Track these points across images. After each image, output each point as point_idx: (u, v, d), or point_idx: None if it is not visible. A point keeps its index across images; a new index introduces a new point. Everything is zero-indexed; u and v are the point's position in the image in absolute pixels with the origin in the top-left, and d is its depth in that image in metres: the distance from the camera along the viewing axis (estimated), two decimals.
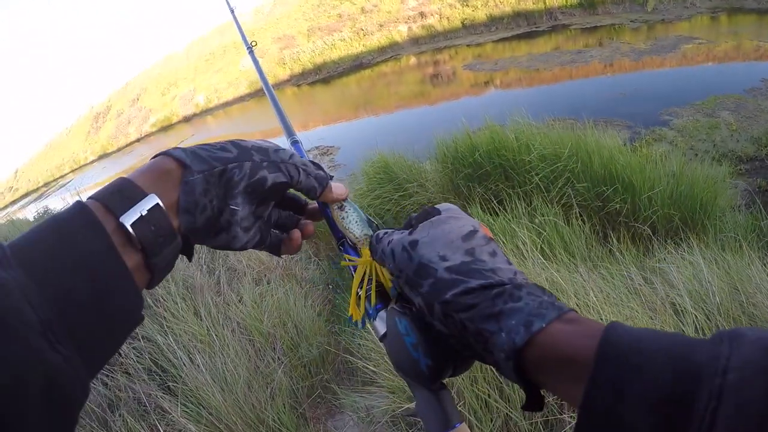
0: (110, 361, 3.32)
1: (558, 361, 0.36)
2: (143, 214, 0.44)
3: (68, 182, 30.65)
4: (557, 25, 18.20)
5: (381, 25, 24.50)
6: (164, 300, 3.53)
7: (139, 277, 0.45)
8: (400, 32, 23.82)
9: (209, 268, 4.22)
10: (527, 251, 2.96)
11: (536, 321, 0.38)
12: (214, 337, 3.11)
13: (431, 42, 22.07)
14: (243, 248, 0.58)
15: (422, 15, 23.36)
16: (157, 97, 35.28)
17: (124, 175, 0.47)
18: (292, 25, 29.44)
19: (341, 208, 0.66)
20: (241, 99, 27.57)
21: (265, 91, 1.00)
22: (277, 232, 0.65)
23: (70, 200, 12.03)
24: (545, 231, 3.38)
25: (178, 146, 0.51)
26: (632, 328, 0.33)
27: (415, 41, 23.03)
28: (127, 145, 33.43)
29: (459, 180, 4.69)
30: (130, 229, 0.43)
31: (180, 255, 0.52)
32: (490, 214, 3.92)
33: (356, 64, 23.57)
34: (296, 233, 0.66)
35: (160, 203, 0.45)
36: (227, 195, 0.52)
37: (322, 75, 24.27)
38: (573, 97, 10.38)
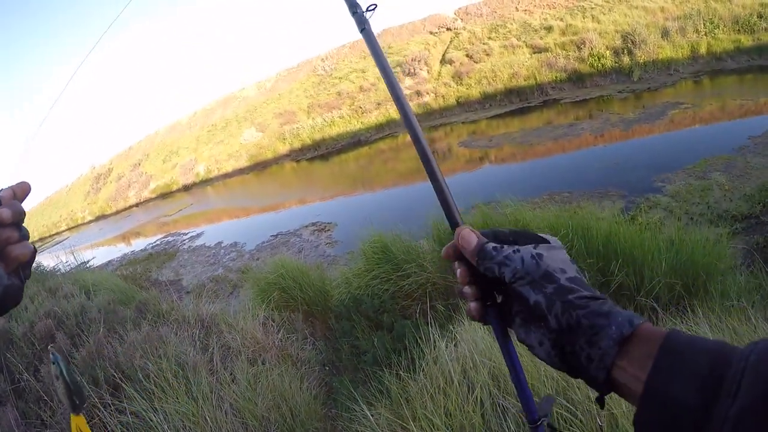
0: None
1: (641, 348, 0.52)
2: None
3: (64, 239, 30.60)
4: (548, 100, 18.75)
5: (378, 104, 25.18)
6: (155, 376, 3.45)
7: None
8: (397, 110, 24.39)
9: (203, 345, 4.15)
10: None
11: (635, 320, 0.55)
12: (206, 418, 3.03)
13: (427, 119, 22.56)
14: None
15: (418, 93, 24.00)
16: (158, 163, 35.71)
17: None
18: (293, 101, 30.23)
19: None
20: (241, 171, 27.91)
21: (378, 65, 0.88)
22: None
23: (64, 258, 12.04)
24: None
25: None
26: (689, 334, 0.50)
27: None
28: (125, 209, 33.63)
29: None
30: None
31: None
32: None
33: (354, 141, 24.07)
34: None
35: None
36: None
37: (321, 151, 24.73)
38: (567, 170, 10.58)
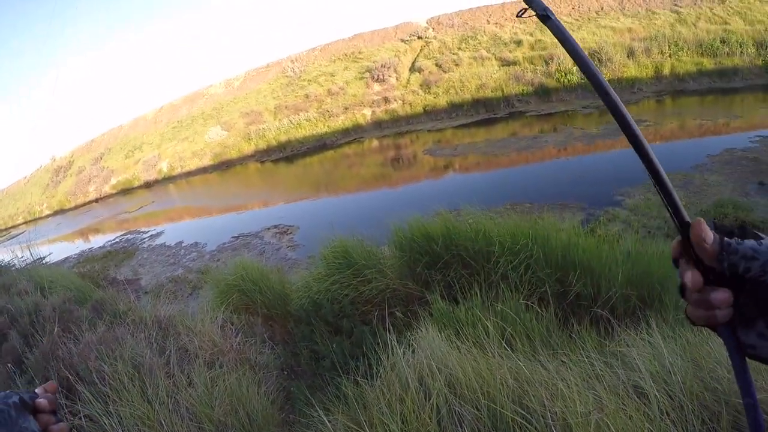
0: None
1: None
2: None
3: (20, 233, 29.61)
4: (514, 112, 19.16)
5: (346, 108, 25.20)
6: (111, 378, 3.40)
7: None
8: (364, 115, 24.54)
9: (160, 347, 4.09)
10: (489, 341, 2.95)
11: None
12: (162, 422, 3.00)
13: (394, 126, 22.74)
14: None
15: (386, 100, 24.14)
16: (120, 158, 34.93)
17: None
18: (260, 102, 29.99)
19: None
20: (204, 170, 27.54)
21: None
22: None
23: (20, 253, 11.66)
24: (507, 320, 3.36)
25: None
26: None
27: (378, 125, 23.73)
28: (84, 204, 32.72)
29: (418, 268, 4.76)
30: None
31: None
32: (451, 302, 3.95)
33: (320, 144, 24.03)
34: None
35: None
36: None
37: (286, 153, 24.63)
38: (530, 182, 10.81)
